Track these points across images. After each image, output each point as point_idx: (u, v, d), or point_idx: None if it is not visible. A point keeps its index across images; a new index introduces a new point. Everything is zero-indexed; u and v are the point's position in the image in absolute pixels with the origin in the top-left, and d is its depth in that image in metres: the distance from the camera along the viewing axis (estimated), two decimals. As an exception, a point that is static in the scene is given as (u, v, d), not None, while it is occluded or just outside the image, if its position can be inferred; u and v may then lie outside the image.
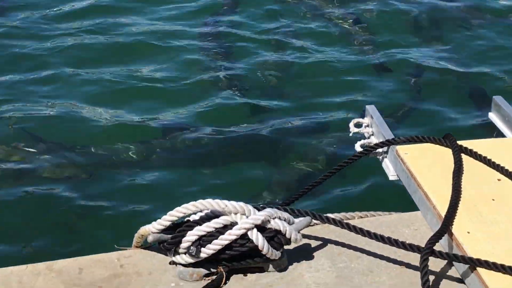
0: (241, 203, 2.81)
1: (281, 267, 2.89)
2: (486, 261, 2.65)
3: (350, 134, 3.82)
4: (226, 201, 2.81)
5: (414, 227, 3.14)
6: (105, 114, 7.69)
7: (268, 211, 2.82)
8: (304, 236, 3.06)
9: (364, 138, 3.83)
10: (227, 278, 2.84)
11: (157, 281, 2.83)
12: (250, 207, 2.81)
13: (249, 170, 6.35)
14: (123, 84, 8.26)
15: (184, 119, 7.59)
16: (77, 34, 9.49)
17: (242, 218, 2.79)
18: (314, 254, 2.98)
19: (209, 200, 2.81)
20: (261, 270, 2.88)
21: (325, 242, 3.05)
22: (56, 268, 2.87)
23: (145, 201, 6.13)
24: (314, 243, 3.04)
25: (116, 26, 9.71)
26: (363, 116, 3.91)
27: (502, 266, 2.62)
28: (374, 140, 3.75)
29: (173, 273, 2.85)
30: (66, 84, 8.28)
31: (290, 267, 2.91)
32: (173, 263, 2.86)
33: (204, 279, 2.83)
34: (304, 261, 2.94)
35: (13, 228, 5.97)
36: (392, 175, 3.52)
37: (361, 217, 3.24)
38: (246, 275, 2.87)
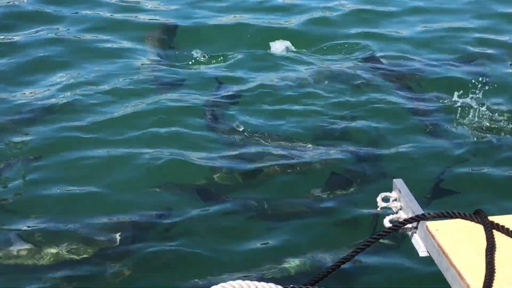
0: (272, 284, 2.76)
1: None
2: None
3: (378, 209, 3.77)
4: (256, 282, 2.76)
5: (448, 306, 3.07)
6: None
7: (302, 292, 2.77)
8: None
9: (392, 212, 3.78)
10: None
11: None
12: (280, 288, 2.76)
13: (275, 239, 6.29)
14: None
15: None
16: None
17: (276, 300, 2.74)
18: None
19: (239, 281, 2.76)
20: None
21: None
22: None
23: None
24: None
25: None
26: (390, 190, 3.87)
27: None
28: (402, 215, 3.70)
29: None
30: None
31: None
32: None
33: None
34: None
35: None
36: (422, 252, 3.45)
37: (393, 295, 3.18)
38: None
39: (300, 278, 5.26)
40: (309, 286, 2.95)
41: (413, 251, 3.54)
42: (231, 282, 2.76)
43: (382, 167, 7.72)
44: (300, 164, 7.68)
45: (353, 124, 8.65)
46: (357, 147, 8.13)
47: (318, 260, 5.76)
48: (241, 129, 8.52)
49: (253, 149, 8.00)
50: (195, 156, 7.75)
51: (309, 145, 8.19)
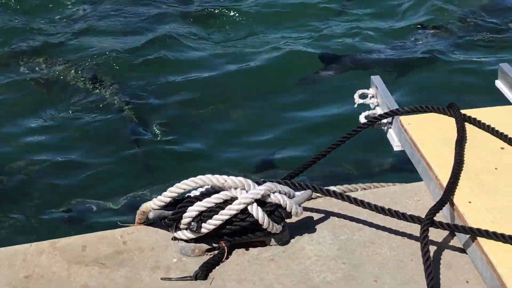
0: (241, 178, 2.81)
1: (283, 241, 2.90)
2: (486, 231, 2.64)
3: (355, 106, 3.79)
4: (225, 176, 2.81)
5: (417, 198, 3.13)
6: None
7: (268, 185, 2.82)
8: (307, 209, 3.07)
9: (370, 109, 3.81)
10: (229, 253, 2.86)
11: (159, 257, 2.85)
12: (250, 181, 2.82)
13: (253, 146, 6.33)
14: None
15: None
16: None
17: (242, 193, 2.79)
18: (316, 227, 2.99)
19: (209, 175, 2.82)
20: (263, 244, 2.90)
21: (327, 215, 3.06)
22: (60, 246, 2.90)
23: (146, 178, 6.14)
24: (316, 216, 3.05)
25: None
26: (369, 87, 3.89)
27: (502, 235, 2.61)
28: (379, 111, 3.73)
29: (175, 248, 2.87)
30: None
31: (292, 240, 2.92)
32: (175, 239, 2.88)
33: (206, 254, 2.84)
34: (306, 234, 2.95)
35: (17, 206, 6.03)
36: (396, 146, 3.50)
37: (364, 189, 3.24)
38: (248, 249, 2.88)
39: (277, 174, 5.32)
40: (284, 180, 2.99)
41: (390, 146, 3.59)
42: (201, 176, 2.82)
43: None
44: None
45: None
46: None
47: (296, 157, 5.83)
48: None
49: None
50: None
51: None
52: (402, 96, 6.81)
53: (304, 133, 6.38)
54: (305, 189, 2.95)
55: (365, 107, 3.81)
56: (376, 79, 3.84)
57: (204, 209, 2.79)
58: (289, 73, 7.79)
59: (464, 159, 3.08)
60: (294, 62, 8.05)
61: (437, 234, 2.85)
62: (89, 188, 6.18)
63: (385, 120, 3.56)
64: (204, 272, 2.74)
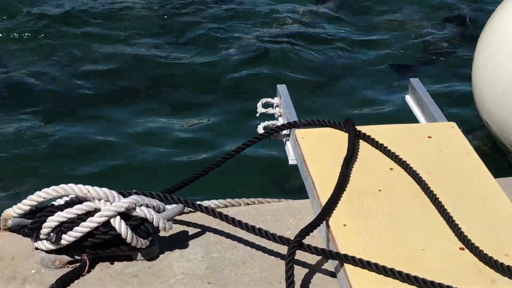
0: (105, 189, 2.68)
1: (150, 256, 2.77)
2: (352, 257, 2.53)
3: (257, 115, 3.67)
4: (89, 187, 2.68)
5: (300, 217, 3.02)
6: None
7: (133, 198, 2.69)
8: (184, 223, 2.95)
9: (274, 119, 3.70)
10: (92, 266, 2.72)
11: (18, 267, 2.71)
12: (114, 193, 2.69)
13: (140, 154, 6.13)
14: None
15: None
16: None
17: (106, 204, 2.66)
18: (190, 242, 2.87)
19: (71, 185, 2.68)
20: (130, 258, 2.77)
21: (203, 230, 2.93)
22: None
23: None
24: (192, 231, 2.92)
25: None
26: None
27: (368, 262, 2.50)
28: (281, 122, 3.62)
29: (37, 259, 2.73)
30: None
31: (161, 256, 2.79)
32: (36, 249, 2.75)
33: (67, 267, 2.71)
34: (177, 250, 2.82)
35: None
36: (291, 160, 3.38)
37: (248, 204, 3.12)
38: (113, 263, 2.75)
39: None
40: (161, 194, 2.85)
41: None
42: (63, 185, 2.68)
43: None
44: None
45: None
46: None
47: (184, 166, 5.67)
48: None
49: None
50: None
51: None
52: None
53: (199, 140, 6.22)
54: (177, 203, 2.82)
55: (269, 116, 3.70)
56: (281, 88, 3.73)
57: (64, 219, 2.65)
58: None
59: (350, 178, 2.97)
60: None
61: (312, 257, 2.74)
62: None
63: (283, 132, 3.45)
64: (60, 286, 2.61)
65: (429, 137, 3.27)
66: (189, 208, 2.87)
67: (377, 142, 3.17)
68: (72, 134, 6.53)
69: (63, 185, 2.68)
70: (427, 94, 3.65)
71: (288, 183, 5.21)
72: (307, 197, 3.12)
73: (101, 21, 8.87)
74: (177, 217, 2.87)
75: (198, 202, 2.86)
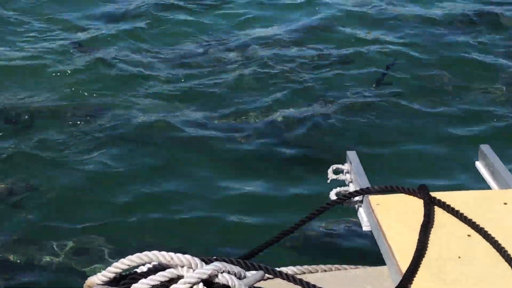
0: (188, 256, 2.71)
1: (232, 323, 2.78)
2: (438, 325, 2.51)
3: (328, 181, 3.69)
4: (172, 254, 2.71)
5: (378, 284, 3.01)
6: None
7: (215, 265, 2.72)
8: (265, 288, 2.96)
9: (344, 185, 3.71)
10: (175, 333, 2.73)
11: (101, 334, 2.74)
12: (197, 260, 2.72)
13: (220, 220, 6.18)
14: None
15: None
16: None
17: (189, 271, 2.69)
18: (270, 309, 2.87)
19: (155, 252, 2.72)
20: (211, 324, 2.78)
21: (282, 296, 2.94)
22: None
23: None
24: (272, 297, 2.93)
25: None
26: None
27: (454, 331, 2.48)
28: (352, 188, 3.63)
29: (121, 325, 2.76)
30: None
31: (242, 322, 2.79)
32: (120, 315, 2.77)
33: (150, 333, 2.73)
34: (258, 316, 2.83)
35: None
36: (365, 226, 3.38)
37: (325, 271, 3.12)
38: (196, 330, 2.76)
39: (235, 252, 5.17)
40: (241, 260, 2.89)
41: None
42: (146, 252, 2.72)
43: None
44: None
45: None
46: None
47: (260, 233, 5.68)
48: None
49: None
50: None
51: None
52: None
53: (273, 207, 6.25)
54: (257, 270, 2.84)
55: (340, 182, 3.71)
56: (351, 154, 3.75)
57: (148, 287, 2.68)
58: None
59: (428, 245, 2.96)
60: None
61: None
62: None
63: (355, 198, 3.46)
64: None
65: (505, 203, 3.25)
66: (268, 275, 2.88)
67: (452, 208, 3.17)
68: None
69: (146, 252, 2.72)
70: (498, 160, 3.64)
71: (361, 250, 5.21)
72: (382, 264, 3.12)
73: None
74: (256, 284, 2.89)
75: (277, 269, 2.87)
